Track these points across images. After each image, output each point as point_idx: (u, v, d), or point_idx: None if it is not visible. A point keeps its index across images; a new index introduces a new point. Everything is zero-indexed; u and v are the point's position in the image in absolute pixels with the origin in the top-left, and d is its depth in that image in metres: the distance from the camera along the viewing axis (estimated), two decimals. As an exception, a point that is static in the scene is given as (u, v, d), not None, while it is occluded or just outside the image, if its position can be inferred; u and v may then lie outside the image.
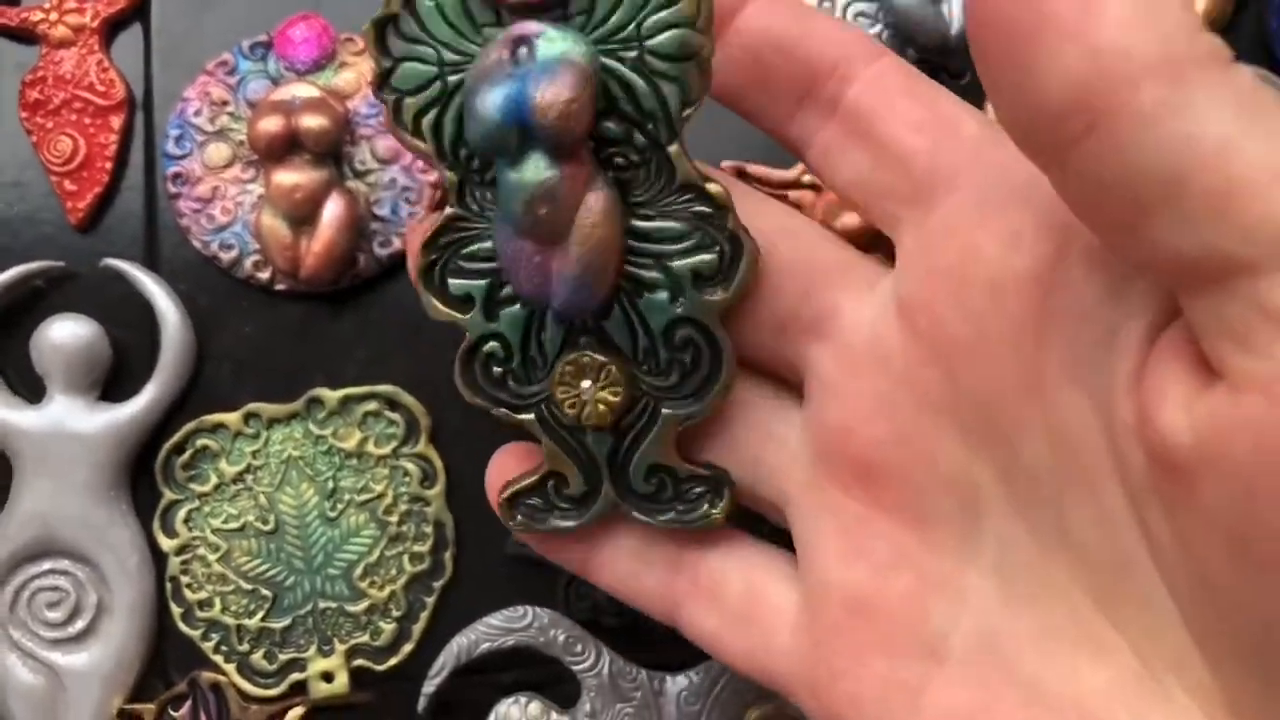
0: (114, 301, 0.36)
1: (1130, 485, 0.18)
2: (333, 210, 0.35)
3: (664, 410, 0.23)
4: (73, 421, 0.35)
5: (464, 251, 0.22)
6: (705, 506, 0.23)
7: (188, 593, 0.35)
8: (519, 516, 0.25)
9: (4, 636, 0.35)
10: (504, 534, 0.36)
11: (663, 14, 0.20)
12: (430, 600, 0.36)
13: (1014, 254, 0.19)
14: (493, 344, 0.23)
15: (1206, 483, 0.16)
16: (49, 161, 0.37)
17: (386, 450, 0.36)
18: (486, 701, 0.34)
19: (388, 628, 0.35)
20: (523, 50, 0.20)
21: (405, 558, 0.36)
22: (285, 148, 0.35)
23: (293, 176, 0.35)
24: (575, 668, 0.35)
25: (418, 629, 0.36)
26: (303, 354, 0.37)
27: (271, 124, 0.35)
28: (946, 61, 0.39)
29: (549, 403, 0.23)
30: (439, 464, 0.36)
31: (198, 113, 0.37)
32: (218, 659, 0.35)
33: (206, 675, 0.35)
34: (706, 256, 0.21)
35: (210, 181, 0.37)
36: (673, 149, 0.21)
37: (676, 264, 0.21)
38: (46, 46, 0.37)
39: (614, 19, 0.20)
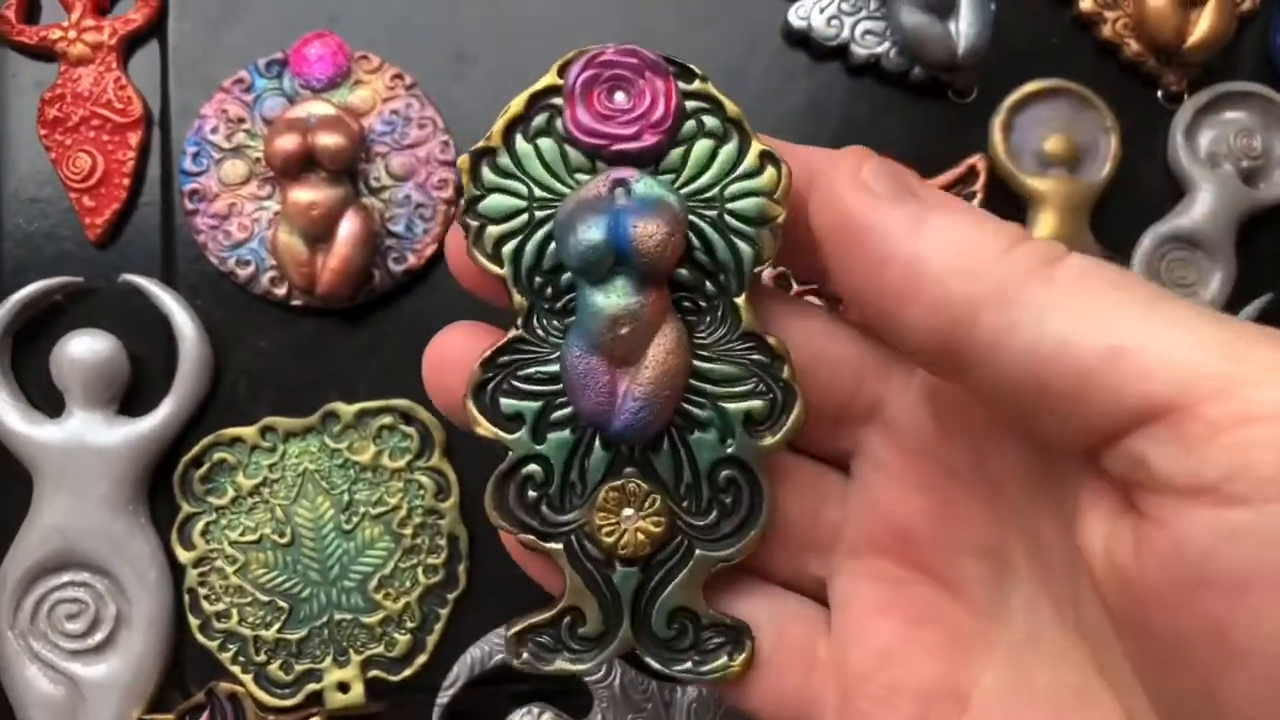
0: (132, 316, 0.37)
1: None
2: (349, 227, 0.36)
3: (698, 551, 0.23)
4: (92, 435, 0.35)
5: (521, 373, 0.23)
6: (724, 659, 0.23)
7: (205, 604, 0.36)
8: (525, 654, 0.24)
9: (24, 648, 0.35)
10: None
11: (746, 183, 0.22)
12: (444, 612, 0.36)
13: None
14: (533, 466, 0.23)
15: (1111, 595, 0.18)
16: (67, 178, 0.37)
17: (401, 464, 0.36)
18: (500, 712, 0.35)
19: (402, 639, 0.36)
20: (620, 190, 0.22)
21: (420, 570, 0.36)
22: (301, 165, 0.35)
23: (309, 194, 0.35)
24: (587, 679, 0.35)
25: (432, 640, 0.36)
26: (318, 368, 0.37)
27: (288, 142, 0.35)
28: (953, 80, 0.39)
29: (580, 534, 0.23)
30: (453, 477, 0.36)
31: (214, 130, 0.37)
32: (235, 669, 0.35)
33: (224, 686, 0.35)
34: (759, 402, 0.23)
35: (227, 198, 0.37)
36: (740, 300, 0.22)
37: (730, 406, 0.23)
38: (65, 64, 0.38)
39: (701, 180, 0.22)
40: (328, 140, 0.35)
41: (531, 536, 0.23)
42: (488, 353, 0.23)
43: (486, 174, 0.22)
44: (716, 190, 0.22)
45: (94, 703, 0.35)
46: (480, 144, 0.22)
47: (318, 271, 0.36)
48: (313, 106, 0.37)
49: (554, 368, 0.22)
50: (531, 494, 0.23)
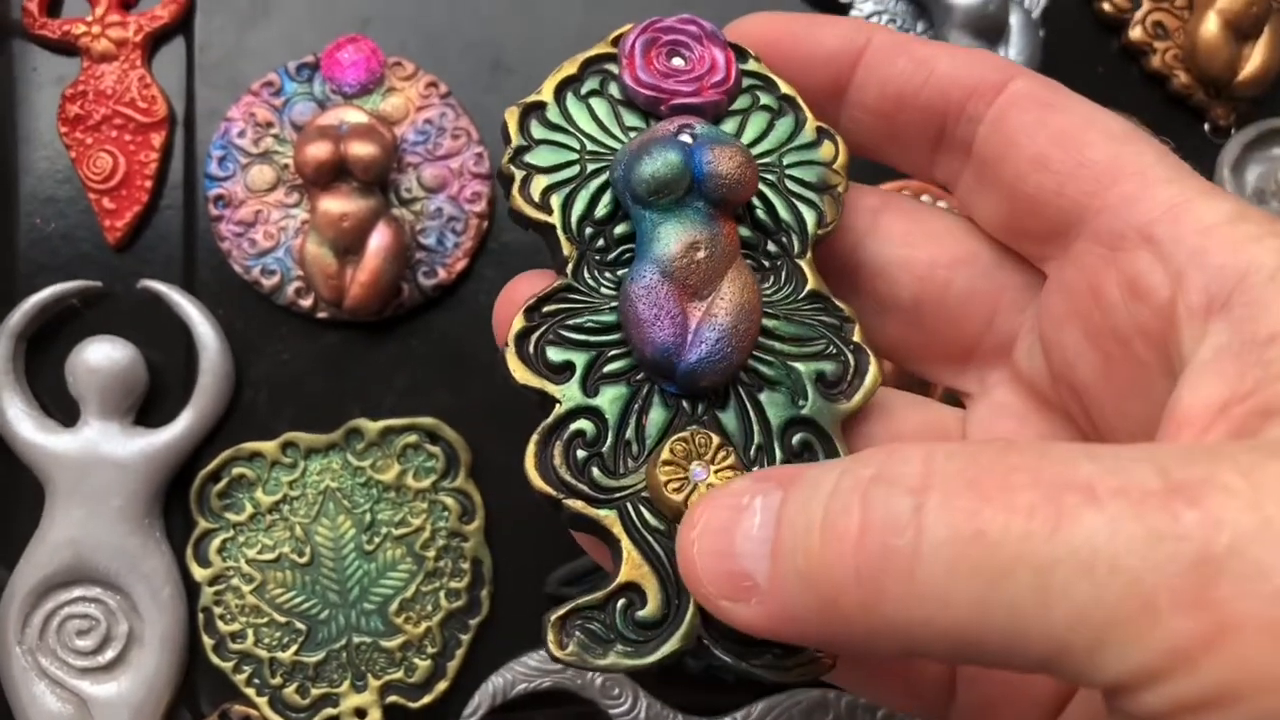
0: (151, 324, 0.36)
1: None
2: (379, 240, 0.35)
3: None
4: (107, 446, 0.34)
5: (570, 322, 0.21)
6: (811, 648, 0.20)
7: (220, 624, 0.35)
8: (571, 645, 0.20)
9: (32, 664, 0.34)
10: (543, 572, 0.35)
11: (805, 153, 0.22)
12: (466, 638, 0.35)
13: (1134, 302, 0.19)
14: (584, 422, 0.20)
15: None
16: (88, 178, 0.36)
17: (426, 484, 0.35)
18: (522, 743, 0.34)
19: (422, 664, 0.35)
20: (686, 135, 0.21)
21: (442, 594, 0.35)
22: (333, 175, 0.34)
23: (340, 205, 0.34)
24: (612, 711, 0.34)
25: (453, 667, 0.35)
26: (342, 383, 0.36)
27: (320, 150, 0.34)
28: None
29: (636, 500, 0.20)
30: (478, 499, 0.35)
31: (241, 133, 0.36)
32: (249, 692, 0.34)
33: (238, 708, 0.34)
34: (830, 364, 0.21)
35: (253, 205, 0.36)
36: (804, 261, 0.22)
37: (801, 366, 0.21)
38: (88, 60, 0.37)
39: (759, 147, 0.22)
40: (360, 150, 0.34)
41: (580, 502, 0.20)
42: (531, 300, 0.21)
43: (535, 127, 0.22)
44: (775, 157, 0.22)
45: (103, 723, 0.34)
46: (530, 98, 0.22)
47: (346, 284, 0.35)
48: (345, 113, 0.35)
49: (607, 317, 0.21)
50: (581, 453, 0.20)
